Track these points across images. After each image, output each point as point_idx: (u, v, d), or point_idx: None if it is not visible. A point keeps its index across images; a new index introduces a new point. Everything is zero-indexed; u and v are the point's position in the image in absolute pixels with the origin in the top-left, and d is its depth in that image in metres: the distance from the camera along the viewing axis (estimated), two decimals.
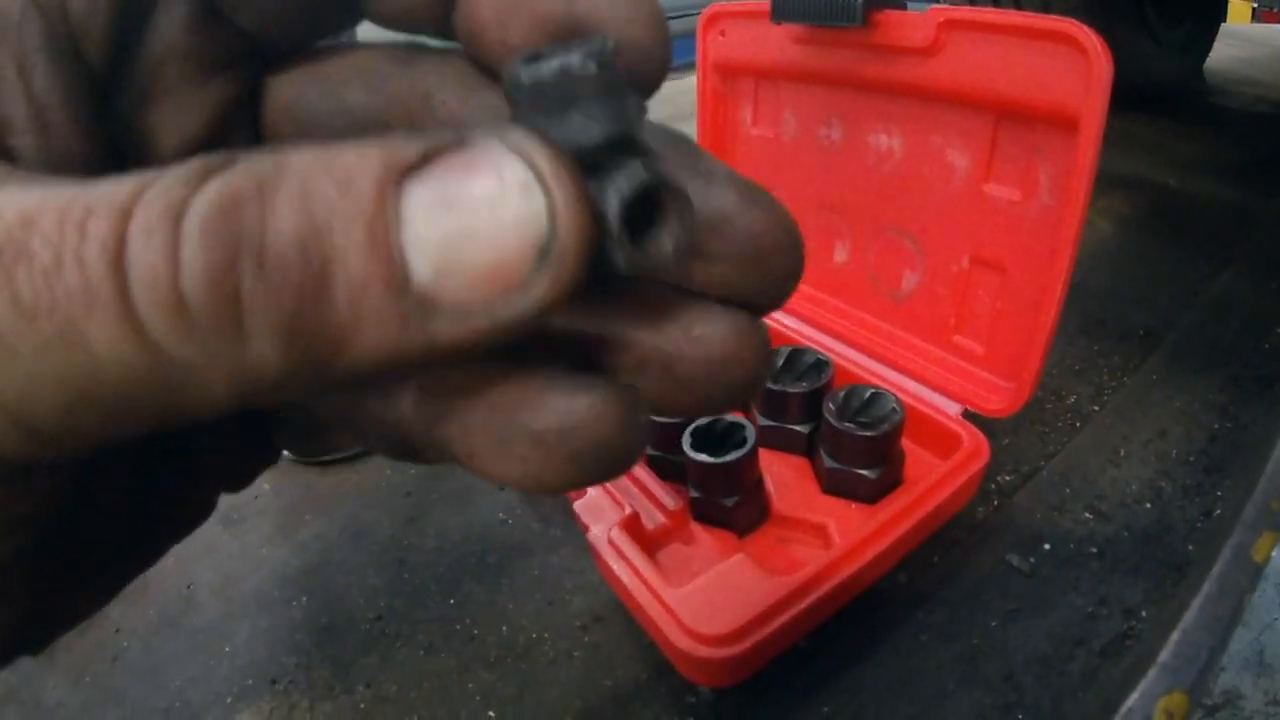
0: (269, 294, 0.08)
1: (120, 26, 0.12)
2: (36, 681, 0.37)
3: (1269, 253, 0.71)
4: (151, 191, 0.08)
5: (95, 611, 0.14)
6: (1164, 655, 0.26)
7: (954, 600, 0.37)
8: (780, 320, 0.54)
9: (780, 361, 0.45)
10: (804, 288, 0.56)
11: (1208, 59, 1.31)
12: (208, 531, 0.47)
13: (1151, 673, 0.26)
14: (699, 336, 0.10)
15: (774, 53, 0.51)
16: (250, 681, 0.37)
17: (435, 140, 0.08)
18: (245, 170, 0.08)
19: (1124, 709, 0.26)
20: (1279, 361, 0.54)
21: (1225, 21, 1.29)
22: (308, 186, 0.08)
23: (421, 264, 0.08)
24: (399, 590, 0.41)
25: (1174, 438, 0.48)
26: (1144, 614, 0.35)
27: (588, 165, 0.08)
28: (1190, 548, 0.40)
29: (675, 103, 1.24)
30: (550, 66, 0.09)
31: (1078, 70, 0.37)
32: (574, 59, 0.08)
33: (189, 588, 0.43)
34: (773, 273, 0.10)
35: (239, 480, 0.15)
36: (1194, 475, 0.44)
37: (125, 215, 0.08)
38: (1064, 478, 0.45)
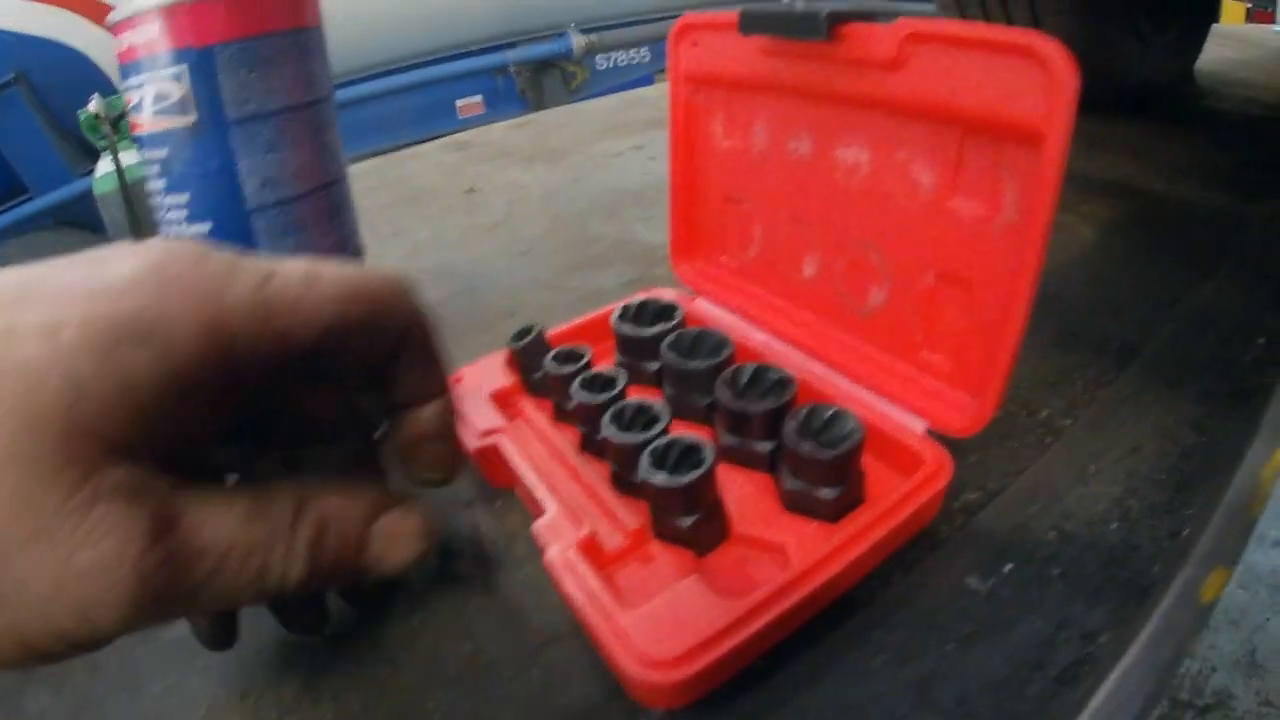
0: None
1: None
2: (18, 692, 0.38)
3: (1256, 259, 0.70)
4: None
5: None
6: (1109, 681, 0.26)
7: (911, 622, 0.37)
8: (748, 335, 0.54)
9: (745, 379, 0.44)
10: (774, 301, 0.55)
11: (1199, 60, 1.29)
12: None
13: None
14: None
15: (744, 65, 0.50)
16: (222, 694, 0.37)
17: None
18: None
19: None
20: (1258, 375, 0.53)
21: (1219, 22, 1.28)
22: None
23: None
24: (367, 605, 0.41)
25: (1147, 453, 0.47)
26: (1102, 639, 0.35)
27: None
28: (1156, 568, 0.39)
29: (662, 107, 1.24)
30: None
31: (1040, 84, 0.36)
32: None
33: None
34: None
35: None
36: (1164, 493, 0.44)
37: None
38: (1031, 495, 0.44)
